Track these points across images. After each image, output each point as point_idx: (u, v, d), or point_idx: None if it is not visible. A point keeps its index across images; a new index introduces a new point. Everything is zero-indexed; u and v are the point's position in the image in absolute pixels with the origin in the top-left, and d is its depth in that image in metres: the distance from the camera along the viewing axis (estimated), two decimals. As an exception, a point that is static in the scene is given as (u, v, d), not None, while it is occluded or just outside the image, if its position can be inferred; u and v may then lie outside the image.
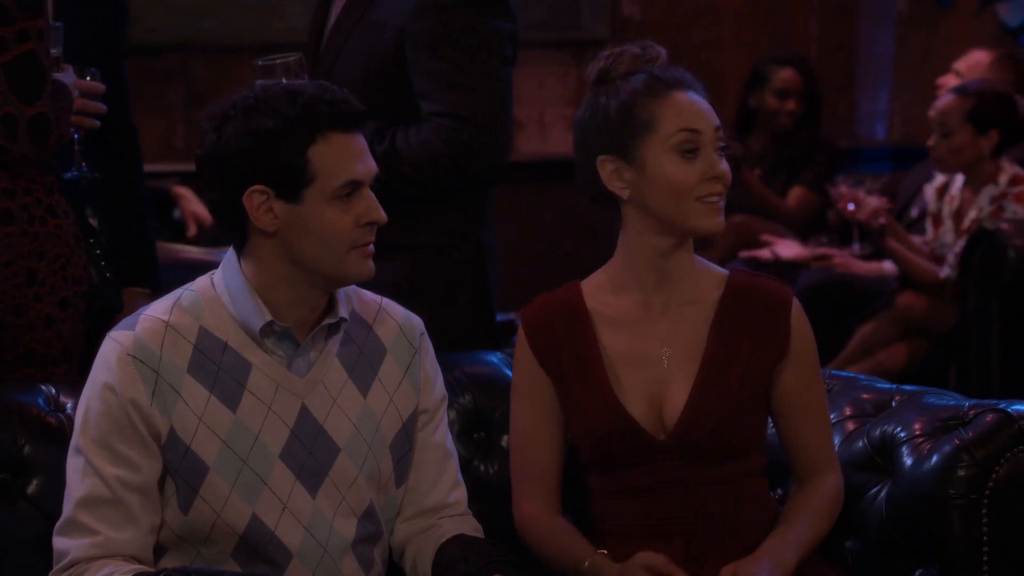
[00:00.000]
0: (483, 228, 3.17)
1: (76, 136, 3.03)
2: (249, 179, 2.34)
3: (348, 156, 2.36)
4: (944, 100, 5.19)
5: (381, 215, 2.39)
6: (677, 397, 2.54)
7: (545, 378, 2.59)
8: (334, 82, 3.05)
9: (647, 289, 2.58)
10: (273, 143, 2.33)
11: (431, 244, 3.09)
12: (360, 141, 2.39)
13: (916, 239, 5.40)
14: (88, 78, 3.01)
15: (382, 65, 3.06)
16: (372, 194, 2.39)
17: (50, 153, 2.87)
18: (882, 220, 5.30)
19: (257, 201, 2.35)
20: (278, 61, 2.91)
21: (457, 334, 3.06)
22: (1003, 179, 5.12)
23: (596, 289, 2.62)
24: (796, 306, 2.59)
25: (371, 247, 2.40)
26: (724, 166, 2.52)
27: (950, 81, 5.58)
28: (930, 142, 5.17)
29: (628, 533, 2.55)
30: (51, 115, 2.82)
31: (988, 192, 5.13)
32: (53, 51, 2.88)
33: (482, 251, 3.16)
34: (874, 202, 5.35)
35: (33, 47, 2.78)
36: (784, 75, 6.01)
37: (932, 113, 5.24)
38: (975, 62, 5.67)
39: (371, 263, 2.40)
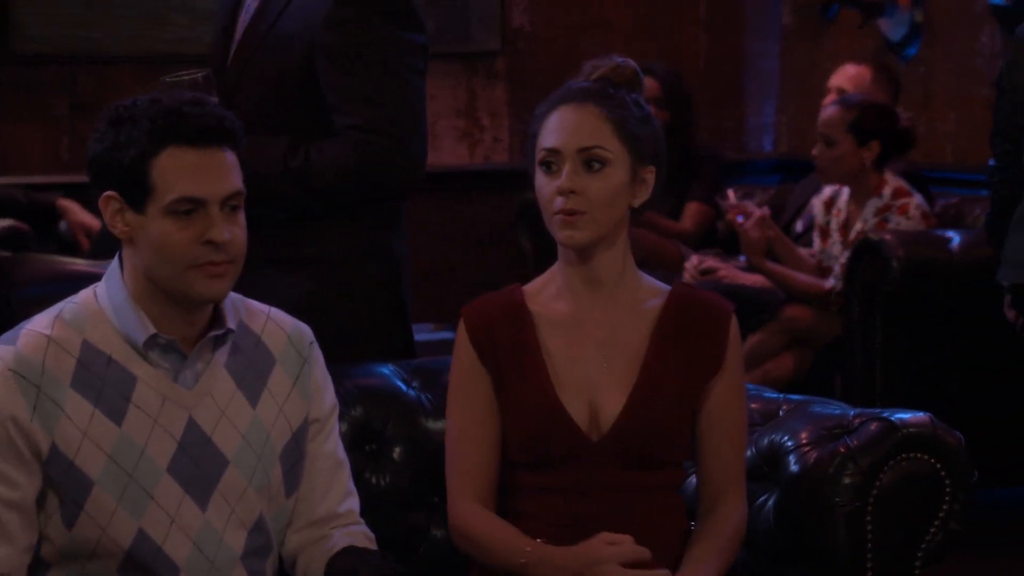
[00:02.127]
0: (395, 237, 3.16)
1: None
2: (104, 185, 2.36)
3: (189, 172, 2.33)
4: (828, 111, 5.27)
5: (221, 235, 2.34)
6: (614, 401, 2.57)
7: (484, 376, 2.61)
8: (240, 95, 3.04)
9: (579, 294, 2.62)
10: (121, 152, 2.34)
11: (342, 256, 3.08)
12: (215, 158, 2.35)
13: (803, 251, 5.47)
14: None
15: (291, 79, 3.04)
16: (218, 213, 2.34)
17: None
18: (770, 233, 5.36)
19: (112, 208, 2.36)
20: (185, 77, 2.88)
21: (373, 346, 3.06)
22: (887, 191, 5.19)
23: (537, 293, 2.66)
24: (734, 323, 2.63)
25: (221, 267, 2.35)
26: None
27: (830, 100, 5.65)
28: (814, 151, 5.24)
29: (546, 532, 2.55)
30: None
31: (872, 204, 5.20)
32: None
33: (394, 261, 3.15)
34: (758, 212, 5.41)
35: None
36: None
37: (819, 122, 5.31)
38: (855, 75, 5.75)
39: (221, 283, 2.36)
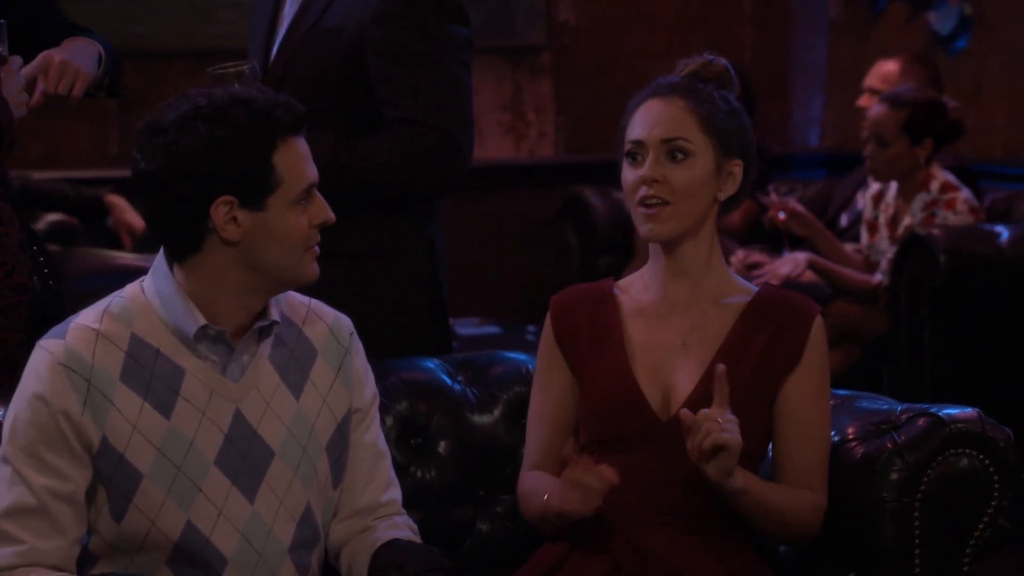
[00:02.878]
0: (432, 232, 3.17)
1: None
2: (214, 191, 2.32)
3: (304, 160, 2.38)
4: (877, 111, 5.23)
5: (330, 215, 2.40)
6: (686, 383, 2.59)
7: (562, 363, 2.67)
8: (286, 89, 3.05)
9: (665, 284, 2.65)
10: (237, 152, 2.31)
11: (379, 250, 3.10)
12: (305, 144, 2.40)
13: (849, 246, 5.44)
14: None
15: (337, 73, 3.06)
16: (320, 195, 2.40)
17: (3, 160, 2.85)
18: (804, 229, 5.35)
19: (222, 213, 2.33)
20: (231, 70, 2.90)
21: (409, 340, 3.07)
22: (934, 186, 5.17)
23: (627, 285, 2.71)
24: (819, 324, 2.63)
25: (316, 248, 2.41)
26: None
27: (866, 100, 5.63)
28: (866, 152, 5.21)
29: (609, 514, 2.55)
30: (3, 120, 2.79)
31: (920, 199, 5.17)
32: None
33: (432, 255, 3.17)
34: (799, 209, 5.40)
35: None
36: None
37: (866, 124, 5.28)
38: (885, 73, 5.72)
39: (316, 264, 2.42)
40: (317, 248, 2.41)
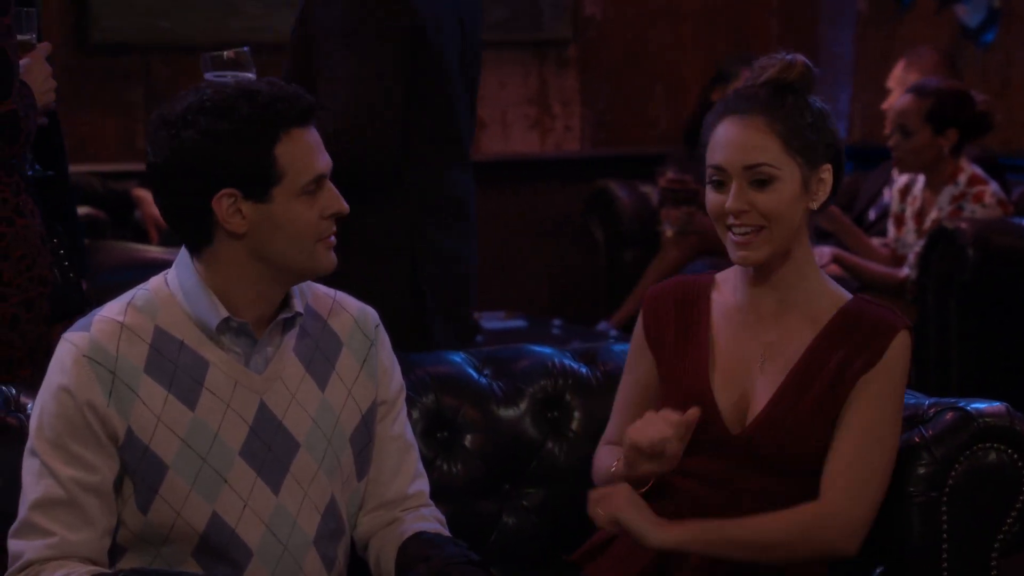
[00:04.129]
0: (422, 229, 3.16)
1: None
2: (216, 183, 2.33)
3: (311, 150, 2.36)
4: (902, 100, 5.21)
5: (344, 206, 2.40)
6: (760, 398, 2.55)
7: (648, 355, 2.65)
8: (291, 71, 3.10)
9: (755, 293, 2.59)
10: (238, 144, 2.32)
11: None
12: (316, 134, 2.39)
13: (877, 240, 5.43)
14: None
15: (305, 77, 3.08)
16: (333, 186, 2.40)
17: (18, 152, 2.85)
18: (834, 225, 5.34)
19: (226, 205, 2.34)
20: (225, 54, 2.95)
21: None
22: (962, 179, 5.15)
23: (725, 282, 2.66)
24: (903, 338, 2.53)
25: (333, 238, 2.41)
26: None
27: (894, 97, 5.62)
28: (891, 143, 5.20)
29: (679, 515, 2.53)
30: (20, 112, 2.80)
31: (948, 192, 5.15)
32: (27, 36, 2.87)
33: (415, 253, 3.16)
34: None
35: (2, 45, 2.77)
36: (746, 76, 6.01)
37: (890, 113, 5.26)
38: (900, 75, 5.70)
39: (334, 254, 2.41)
40: (333, 239, 2.40)
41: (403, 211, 3.15)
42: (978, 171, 5.17)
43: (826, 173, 2.55)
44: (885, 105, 5.69)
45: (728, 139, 2.52)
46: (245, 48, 3.00)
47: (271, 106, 2.33)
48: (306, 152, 2.35)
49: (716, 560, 2.51)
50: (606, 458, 2.65)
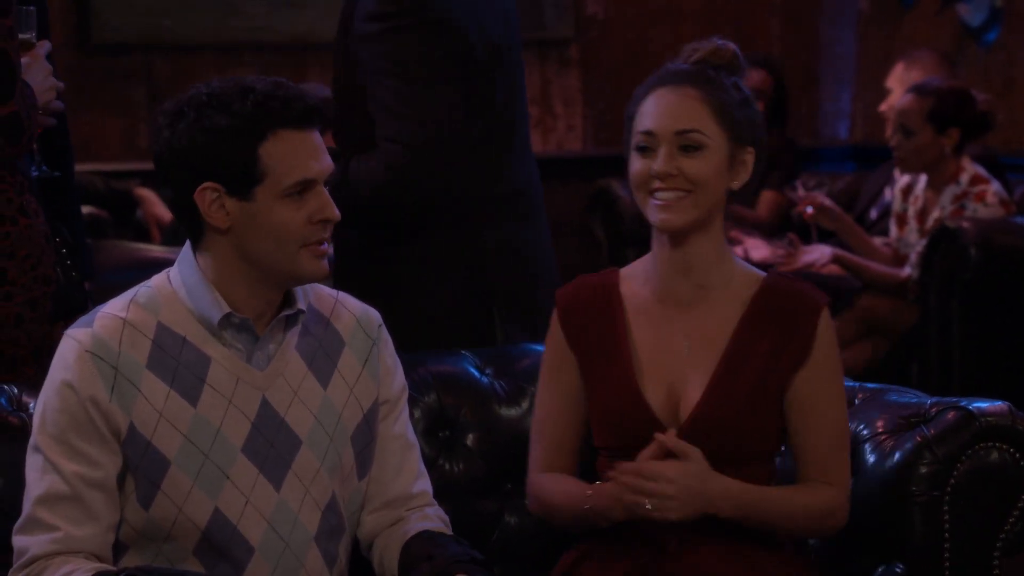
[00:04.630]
0: (483, 227, 3.18)
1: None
2: (200, 176, 2.34)
3: (300, 154, 2.35)
4: (904, 100, 5.21)
5: (334, 213, 2.38)
6: (693, 390, 2.55)
7: (572, 360, 2.62)
8: (339, 104, 3.11)
9: (669, 280, 2.59)
10: (224, 140, 2.32)
11: (419, 250, 3.12)
12: (314, 139, 2.38)
13: (878, 240, 5.43)
14: None
15: (351, 88, 3.10)
16: (326, 192, 2.38)
17: (21, 153, 2.86)
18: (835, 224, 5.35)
19: (209, 198, 2.35)
20: None
21: (438, 331, 3.08)
22: (964, 178, 5.15)
23: (631, 277, 2.64)
24: (826, 316, 2.57)
25: (325, 246, 2.39)
26: None
27: (893, 98, 5.62)
28: (892, 143, 5.20)
29: (625, 523, 2.54)
30: (22, 113, 2.81)
31: (950, 192, 5.16)
32: (27, 35, 2.87)
33: (476, 250, 3.17)
34: (827, 203, 5.40)
35: (4, 46, 2.78)
36: (756, 75, 6.02)
37: (892, 113, 5.26)
38: (902, 76, 5.70)
39: (325, 263, 2.40)
40: (326, 246, 2.38)
41: (460, 211, 3.16)
42: (980, 170, 5.17)
43: (748, 156, 2.58)
44: (884, 107, 5.70)
45: (659, 106, 2.54)
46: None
47: (263, 105, 2.33)
48: (294, 154, 2.34)
49: (696, 566, 2.51)
50: (566, 495, 2.58)
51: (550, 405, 2.64)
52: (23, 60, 2.88)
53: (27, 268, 2.86)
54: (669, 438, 2.48)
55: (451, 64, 3.07)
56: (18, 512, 2.38)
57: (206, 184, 2.34)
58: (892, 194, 5.55)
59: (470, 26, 3.09)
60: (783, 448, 2.62)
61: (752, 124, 2.58)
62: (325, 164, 2.38)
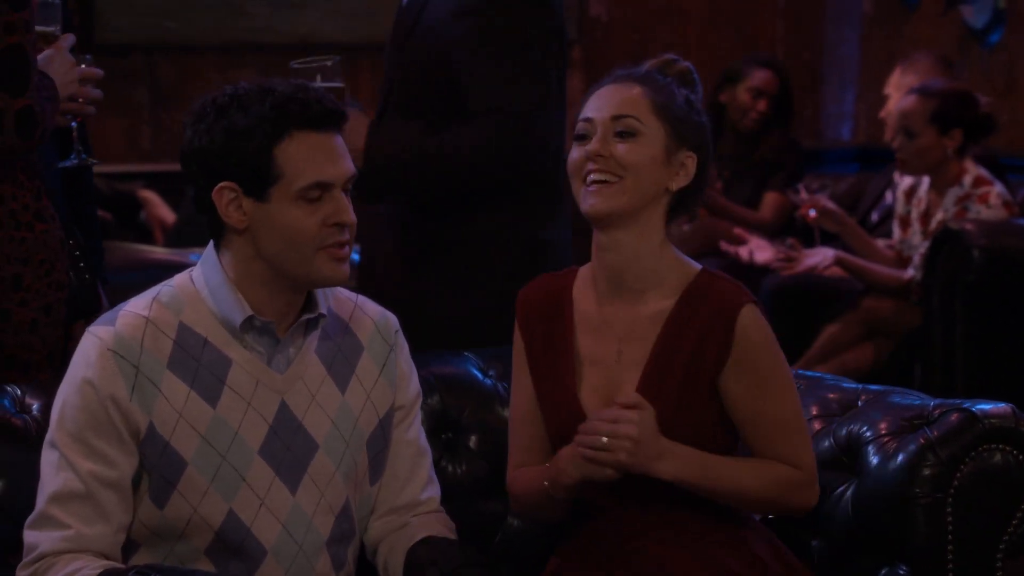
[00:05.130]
0: (546, 228, 3.22)
1: (74, 124, 3.03)
2: (218, 176, 2.35)
3: (316, 156, 2.36)
4: (906, 102, 5.21)
5: (350, 217, 2.38)
6: (626, 393, 2.53)
7: (527, 364, 2.63)
8: (399, 86, 3.16)
9: (604, 288, 2.59)
10: (241, 140, 2.33)
11: (481, 240, 3.15)
12: (333, 141, 2.38)
13: (881, 242, 5.43)
14: (83, 65, 2.99)
15: (433, 68, 3.12)
16: (343, 195, 2.38)
17: (34, 146, 2.86)
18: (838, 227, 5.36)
19: (226, 198, 2.35)
20: (314, 64, 2.98)
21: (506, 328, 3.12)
22: (967, 180, 5.15)
23: (583, 277, 2.64)
24: (746, 314, 2.53)
25: (345, 249, 2.39)
26: None
27: (892, 103, 5.63)
28: (895, 144, 5.19)
29: (587, 524, 2.55)
30: (36, 107, 2.81)
31: (953, 193, 5.15)
32: (50, 28, 2.90)
33: (543, 251, 3.20)
34: (830, 206, 5.41)
35: (20, 40, 2.79)
36: (762, 75, 6.03)
37: (894, 115, 5.26)
38: (899, 81, 5.72)
39: (344, 267, 2.39)
40: (346, 249, 2.38)
41: (522, 209, 3.20)
42: (983, 172, 5.17)
43: (689, 160, 2.57)
44: (883, 113, 5.70)
45: (599, 96, 2.57)
46: (335, 58, 3.02)
47: (281, 106, 2.33)
48: (309, 157, 2.35)
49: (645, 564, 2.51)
50: (528, 477, 2.60)
51: (517, 407, 2.65)
52: (46, 52, 2.89)
53: (42, 274, 2.86)
54: (628, 394, 2.47)
55: (547, 38, 3.12)
56: (22, 513, 2.38)
57: (223, 184, 2.34)
58: (894, 197, 5.56)
59: (560, 5, 3.15)
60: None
61: (695, 129, 2.57)
62: (343, 168, 2.38)
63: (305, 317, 2.43)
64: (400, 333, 2.55)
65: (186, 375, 2.37)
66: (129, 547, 2.41)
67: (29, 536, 2.36)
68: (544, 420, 2.61)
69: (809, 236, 5.78)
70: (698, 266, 2.61)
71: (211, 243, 2.43)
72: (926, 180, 5.25)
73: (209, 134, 2.34)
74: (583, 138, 2.56)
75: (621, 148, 2.53)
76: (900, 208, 5.38)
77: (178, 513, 2.37)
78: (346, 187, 2.39)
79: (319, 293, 2.45)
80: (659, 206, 2.56)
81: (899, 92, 5.60)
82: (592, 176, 2.53)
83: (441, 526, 2.53)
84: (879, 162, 6.06)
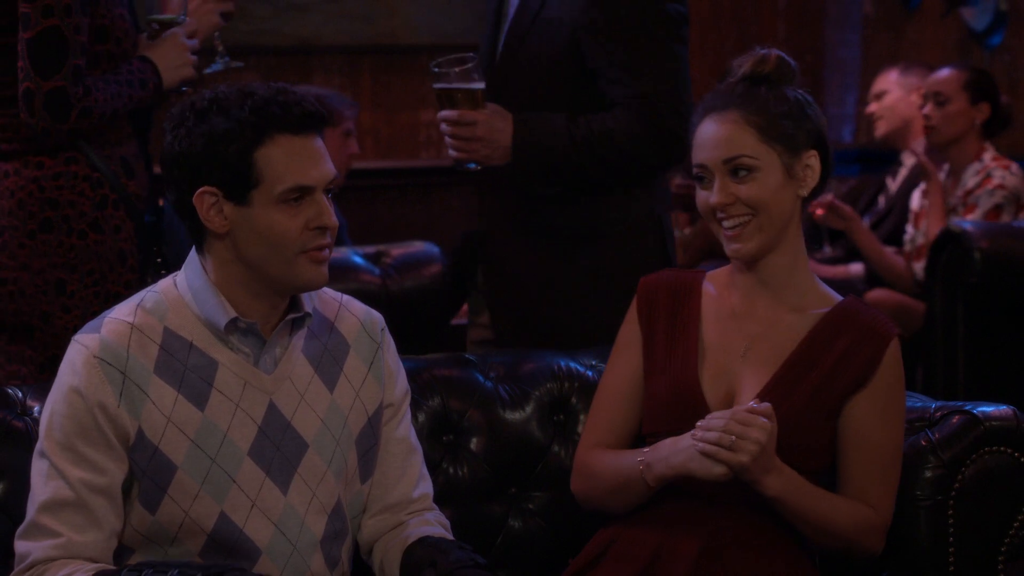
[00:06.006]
0: (661, 210, 3.29)
1: (217, 34, 3.23)
2: (198, 180, 2.34)
3: (296, 159, 2.35)
4: (940, 73, 5.34)
5: (331, 220, 2.37)
6: (747, 392, 2.55)
7: (639, 340, 2.64)
8: (514, 79, 3.19)
9: (745, 289, 2.61)
10: (221, 144, 2.33)
11: (612, 228, 3.19)
12: (313, 145, 2.37)
13: (890, 249, 5.46)
14: None
15: (559, 60, 3.14)
16: (324, 199, 2.37)
17: (75, 128, 2.89)
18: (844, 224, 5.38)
19: (207, 202, 2.35)
20: (457, 69, 3.02)
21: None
22: (987, 156, 5.27)
23: (715, 279, 2.67)
24: (895, 347, 2.56)
25: (325, 252, 2.38)
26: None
27: (890, 99, 5.68)
28: (925, 111, 5.27)
29: (655, 513, 2.54)
30: (70, 89, 2.85)
31: (973, 169, 5.26)
32: (167, 16, 3.04)
33: (662, 232, 3.28)
34: (837, 203, 5.43)
35: (57, 23, 2.84)
36: None
37: (928, 84, 5.35)
38: (896, 79, 5.76)
39: (324, 269, 2.39)
40: (326, 252, 2.38)
41: (644, 193, 3.25)
42: (999, 155, 5.28)
43: (812, 159, 2.58)
44: (876, 107, 5.72)
45: (706, 137, 2.57)
46: (473, 56, 3.06)
47: (260, 110, 2.33)
48: (289, 160, 2.34)
49: (707, 566, 2.50)
50: (617, 457, 2.59)
51: (610, 383, 2.66)
52: (157, 39, 2.99)
53: (89, 283, 2.88)
54: (765, 404, 2.46)
55: (681, 24, 3.17)
56: (22, 516, 2.38)
57: (204, 188, 2.34)
58: (886, 201, 5.59)
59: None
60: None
61: (807, 129, 2.57)
62: (324, 171, 2.37)
63: (290, 317, 2.43)
64: (386, 331, 2.55)
65: (173, 379, 2.37)
66: (123, 553, 2.41)
67: (20, 546, 2.35)
68: (649, 398, 2.60)
69: (816, 235, 5.78)
70: (837, 295, 2.62)
71: (193, 248, 2.43)
72: (944, 170, 5.32)
73: (189, 138, 2.34)
74: (702, 181, 2.58)
75: (743, 189, 2.54)
76: (915, 205, 5.42)
77: (170, 517, 2.37)
78: (328, 190, 2.38)
79: (304, 293, 2.45)
80: (796, 216, 2.59)
81: (901, 88, 5.62)
82: (726, 223, 2.56)
83: (437, 525, 2.53)
84: (880, 164, 6.06)
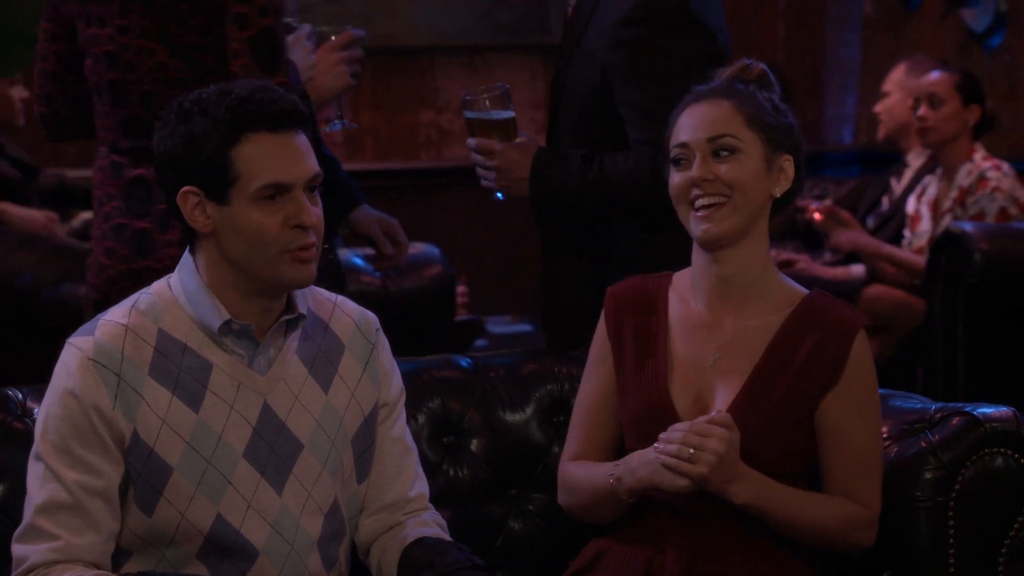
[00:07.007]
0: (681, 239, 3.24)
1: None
2: (181, 180, 2.36)
3: (272, 157, 2.34)
4: (932, 75, 5.37)
5: (311, 218, 2.36)
6: (722, 401, 2.54)
7: (609, 357, 2.64)
8: (562, 109, 3.18)
9: (710, 294, 2.60)
10: (199, 144, 2.34)
11: (653, 253, 3.10)
12: (294, 141, 2.36)
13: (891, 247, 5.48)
14: (332, 37, 3.20)
15: (593, 92, 3.11)
16: (304, 196, 2.37)
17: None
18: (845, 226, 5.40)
19: (191, 202, 2.36)
20: (484, 95, 3.05)
21: None
22: (978, 156, 5.31)
23: (679, 282, 2.66)
24: (861, 339, 2.56)
25: (310, 251, 2.37)
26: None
27: (891, 100, 5.69)
28: (919, 112, 5.28)
29: (646, 523, 2.55)
30: (291, 86, 2.92)
31: (965, 169, 5.27)
32: (288, 20, 3.07)
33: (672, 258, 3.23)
34: (837, 208, 5.45)
35: (272, 22, 2.93)
36: None
37: (920, 86, 5.35)
38: (925, 68, 5.77)
39: (310, 268, 2.38)
40: (311, 251, 2.37)
41: (672, 231, 3.22)
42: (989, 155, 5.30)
43: (787, 163, 2.59)
44: (879, 108, 5.72)
45: (691, 119, 2.57)
46: (504, 86, 3.07)
47: (236, 108, 2.33)
48: (267, 157, 2.34)
49: (697, 567, 2.50)
50: (591, 471, 2.59)
51: (586, 398, 2.66)
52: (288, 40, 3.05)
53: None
54: (723, 414, 2.46)
55: (706, 67, 3.09)
56: (22, 517, 2.38)
57: (186, 188, 2.35)
58: (890, 202, 5.59)
59: (719, 29, 3.13)
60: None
61: (786, 131, 2.59)
62: (303, 168, 2.36)
63: (284, 318, 2.43)
64: (381, 331, 2.55)
65: (168, 381, 2.37)
66: (121, 555, 2.41)
67: (17, 549, 2.35)
68: (625, 414, 2.61)
69: (813, 238, 5.78)
70: (803, 289, 2.61)
71: (187, 249, 2.43)
72: (936, 175, 5.33)
73: (172, 139, 2.35)
74: (681, 162, 2.57)
75: (723, 168, 2.54)
76: (911, 208, 5.42)
77: (166, 519, 2.37)
78: (309, 187, 2.38)
79: (298, 294, 2.45)
80: (765, 215, 2.59)
81: (901, 91, 5.63)
82: (700, 201, 2.55)
83: (434, 525, 2.53)
84: (881, 165, 6.06)
